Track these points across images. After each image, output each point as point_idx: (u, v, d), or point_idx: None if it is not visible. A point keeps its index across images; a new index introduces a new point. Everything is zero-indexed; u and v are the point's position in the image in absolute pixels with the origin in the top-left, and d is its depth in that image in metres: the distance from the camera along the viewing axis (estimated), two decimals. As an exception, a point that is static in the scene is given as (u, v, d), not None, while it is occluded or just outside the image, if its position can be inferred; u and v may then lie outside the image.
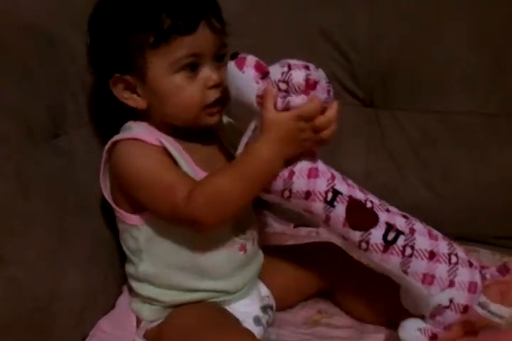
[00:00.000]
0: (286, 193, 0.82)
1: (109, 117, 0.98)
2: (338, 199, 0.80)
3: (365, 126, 1.21)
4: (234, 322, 0.87)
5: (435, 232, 0.83)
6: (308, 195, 0.81)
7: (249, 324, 0.89)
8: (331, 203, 0.80)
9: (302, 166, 0.81)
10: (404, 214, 0.83)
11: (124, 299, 0.95)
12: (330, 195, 0.80)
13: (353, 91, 1.21)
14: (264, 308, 0.93)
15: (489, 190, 1.14)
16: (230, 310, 0.90)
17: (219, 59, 0.87)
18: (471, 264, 0.80)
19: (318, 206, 0.81)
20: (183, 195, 0.80)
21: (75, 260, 0.88)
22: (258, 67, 0.80)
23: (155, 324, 0.90)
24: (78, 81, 0.97)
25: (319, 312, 0.98)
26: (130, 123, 0.91)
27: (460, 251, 0.81)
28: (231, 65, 0.81)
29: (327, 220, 0.81)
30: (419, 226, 0.82)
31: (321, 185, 0.80)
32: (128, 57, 0.85)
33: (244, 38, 0.96)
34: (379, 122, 1.20)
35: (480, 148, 1.14)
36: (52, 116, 0.91)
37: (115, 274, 0.96)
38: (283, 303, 0.98)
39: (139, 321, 0.91)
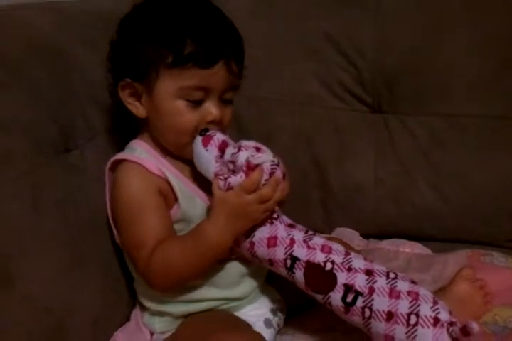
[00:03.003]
0: (256, 260, 0.87)
1: (119, 132, 0.99)
2: (295, 265, 0.83)
3: (374, 131, 1.21)
4: (245, 326, 0.88)
5: (399, 288, 0.78)
6: (271, 262, 0.85)
7: (259, 326, 0.90)
8: (290, 269, 0.83)
9: (261, 236, 0.84)
10: (369, 267, 0.81)
11: (136, 312, 0.95)
12: (289, 262, 0.83)
13: (361, 98, 1.21)
14: (274, 311, 0.94)
15: (499, 192, 1.14)
16: (239, 315, 0.91)
17: (225, 101, 0.89)
18: (436, 322, 0.75)
19: (282, 271, 0.85)
20: (146, 255, 0.84)
21: (88, 276, 0.88)
22: (221, 147, 0.84)
23: (167, 335, 0.91)
24: (87, 95, 0.98)
25: (332, 318, 0.97)
26: (134, 143, 0.92)
27: (426, 308, 0.76)
28: (198, 140, 0.85)
29: (294, 283, 0.85)
30: (381, 283, 0.79)
31: (279, 253, 0.83)
32: (143, 67, 0.86)
33: (252, 48, 0.96)
34: (387, 127, 1.20)
35: (489, 150, 1.14)
36: (63, 131, 0.91)
37: (128, 288, 0.96)
38: (293, 306, 0.97)
39: (152, 333, 0.92)
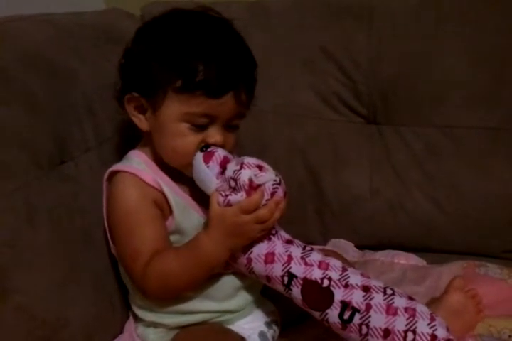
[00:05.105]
0: (253, 276, 0.86)
1: (114, 143, 0.99)
2: (293, 282, 0.82)
3: (369, 142, 1.22)
4: (238, 339, 0.88)
5: (396, 304, 0.78)
6: (268, 278, 0.84)
7: (254, 339, 0.90)
8: (287, 286, 0.83)
9: (258, 252, 0.84)
10: (367, 284, 0.80)
11: (130, 324, 0.95)
12: (286, 279, 0.83)
13: (356, 109, 1.21)
14: (269, 324, 0.94)
15: (495, 203, 1.14)
16: (234, 327, 0.91)
17: (231, 127, 0.89)
18: (433, 339, 0.75)
19: (280, 288, 0.84)
20: (141, 264, 0.84)
21: (82, 287, 0.88)
22: (223, 163, 0.83)
23: (161, 347, 0.91)
24: (83, 107, 0.98)
25: (326, 331, 0.97)
26: (132, 154, 0.92)
27: (423, 324, 0.75)
28: (199, 156, 0.84)
29: (291, 299, 0.84)
30: (378, 299, 0.78)
31: (277, 270, 0.83)
32: (152, 85, 0.86)
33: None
34: (382, 138, 1.21)
35: (484, 161, 1.15)
36: (59, 143, 0.91)
37: (122, 300, 0.96)
38: (289, 318, 0.97)
39: (145, 345, 0.92)
